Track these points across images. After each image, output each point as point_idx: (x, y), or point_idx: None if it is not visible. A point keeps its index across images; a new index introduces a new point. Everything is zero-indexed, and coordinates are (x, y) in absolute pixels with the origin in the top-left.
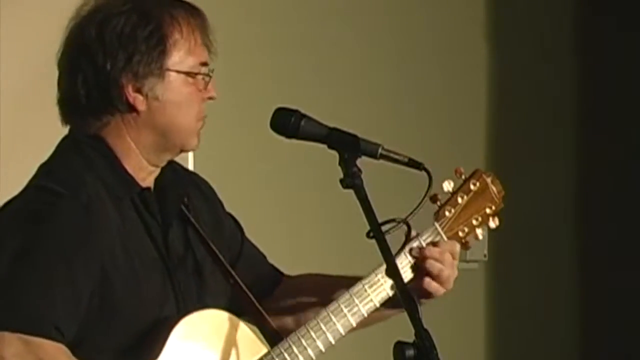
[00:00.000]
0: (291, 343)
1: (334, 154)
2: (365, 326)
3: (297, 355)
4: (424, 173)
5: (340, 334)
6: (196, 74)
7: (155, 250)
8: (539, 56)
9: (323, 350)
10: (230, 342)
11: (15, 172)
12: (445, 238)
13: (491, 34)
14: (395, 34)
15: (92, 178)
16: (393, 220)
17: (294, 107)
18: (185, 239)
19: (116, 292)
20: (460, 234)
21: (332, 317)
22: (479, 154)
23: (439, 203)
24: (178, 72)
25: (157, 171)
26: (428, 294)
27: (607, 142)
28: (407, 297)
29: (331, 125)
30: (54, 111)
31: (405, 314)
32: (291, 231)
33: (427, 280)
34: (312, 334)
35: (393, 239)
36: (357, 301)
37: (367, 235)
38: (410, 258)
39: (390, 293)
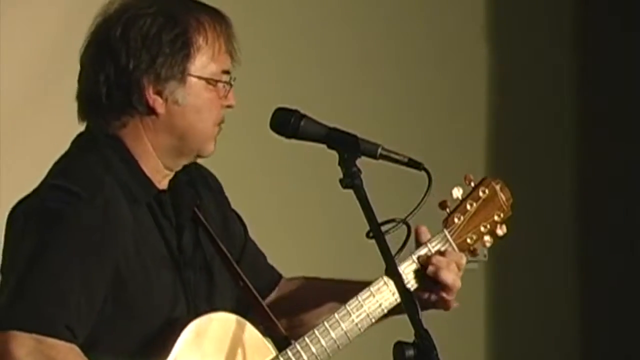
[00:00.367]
0: (299, 348)
1: (334, 154)
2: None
3: None
4: (423, 173)
5: (348, 339)
6: (217, 81)
7: (167, 253)
8: (539, 56)
9: (330, 355)
10: (239, 346)
11: (15, 172)
12: (454, 245)
13: (491, 34)
14: (395, 34)
15: (110, 180)
16: (393, 220)
17: (293, 107)
18: (196, 240)
19: (129, 294)
20: (469, 241)
21: (340, 322)
22: (478, 153)
23: (448, 210)
24: (199, 77)
25: (172, 174)
26: (432, 304)
27: (607, 142)
28: (407, 298)
29: (331, 125)
30: (54, 111)
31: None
32: (291, 231)
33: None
34: (321, 338)
35: (393, 239)
36: (365, 307)
37: (367, 235)
38: (417, 265)
39: (397, 300)
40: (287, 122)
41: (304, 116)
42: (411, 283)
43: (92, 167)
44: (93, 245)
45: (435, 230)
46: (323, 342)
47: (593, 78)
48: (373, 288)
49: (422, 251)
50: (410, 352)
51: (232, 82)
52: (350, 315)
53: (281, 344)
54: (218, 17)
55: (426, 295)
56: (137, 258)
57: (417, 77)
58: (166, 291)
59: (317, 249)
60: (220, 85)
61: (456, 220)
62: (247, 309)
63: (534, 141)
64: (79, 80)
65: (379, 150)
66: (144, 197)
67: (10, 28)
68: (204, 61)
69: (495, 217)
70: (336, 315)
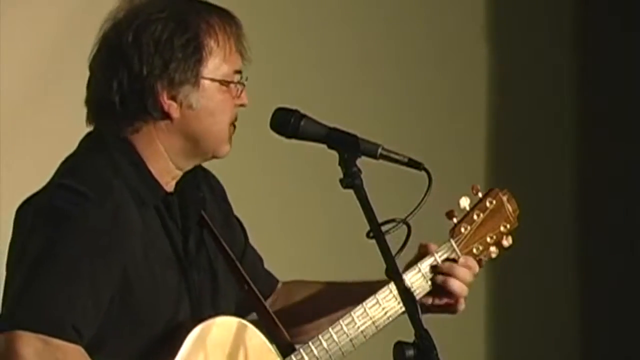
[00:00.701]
0: (304, 354)
1: (334, 154)
2: None
3: None
4: (423, 173)
5: (352, 346)
6: (230, 82)
7: (173, 254)
8: (539, 56)
9: None
10: (244, 351)
11: (15, 172)
12: (460, 255)
13: (491, 34)
14: (395, 34)
15: (119, 183)
16: (393, 220)
17: (293, 107)
18: (202, 243)
19: (135, 299)
20: (475, 251)
21: (345, 329)
22: (478, 153)
23: (455, 220)
24: (212, 80)
25: (181, 175)
26: (438, 309)
27: (607, 142)
28: (407, 298)
29: (331, 125)
30: (54, 111)
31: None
32: (291, 231)
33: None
34: (325, 345)
35: (393, 239)
36: (370, 314)
37: (367, 235)
38: (424, 272)
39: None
40: (287, 122)
41: (304, 116)
42: (417, 292)
43: (101, 169)
44: (101, 248)
45: (437, 233)
46: (328, 349)
47: (593, 78)
48: (379, 296)
49: (429, 260)
50: (410, 352)
51: (245, 82)
52: (355, 323)
53: (285, 350)
54: (227, 18)
55: (432, 301)
56: (145, 263)
57: (417, 77)
58: (171, 294)
59: (317, 249)
60: (232, 85)
61: (463, 230)
62: (247, 312)
63: (534, 141)
64: (88, 86)
65: (379, 150)
66: (152, 200)
67: (10, 28)
68: (216, 63)
69: (502, 228)
70: (341, 322)
